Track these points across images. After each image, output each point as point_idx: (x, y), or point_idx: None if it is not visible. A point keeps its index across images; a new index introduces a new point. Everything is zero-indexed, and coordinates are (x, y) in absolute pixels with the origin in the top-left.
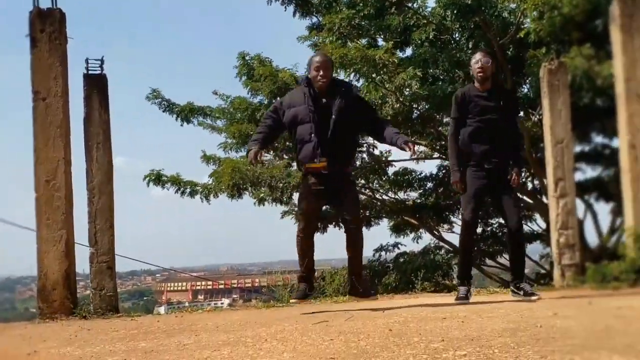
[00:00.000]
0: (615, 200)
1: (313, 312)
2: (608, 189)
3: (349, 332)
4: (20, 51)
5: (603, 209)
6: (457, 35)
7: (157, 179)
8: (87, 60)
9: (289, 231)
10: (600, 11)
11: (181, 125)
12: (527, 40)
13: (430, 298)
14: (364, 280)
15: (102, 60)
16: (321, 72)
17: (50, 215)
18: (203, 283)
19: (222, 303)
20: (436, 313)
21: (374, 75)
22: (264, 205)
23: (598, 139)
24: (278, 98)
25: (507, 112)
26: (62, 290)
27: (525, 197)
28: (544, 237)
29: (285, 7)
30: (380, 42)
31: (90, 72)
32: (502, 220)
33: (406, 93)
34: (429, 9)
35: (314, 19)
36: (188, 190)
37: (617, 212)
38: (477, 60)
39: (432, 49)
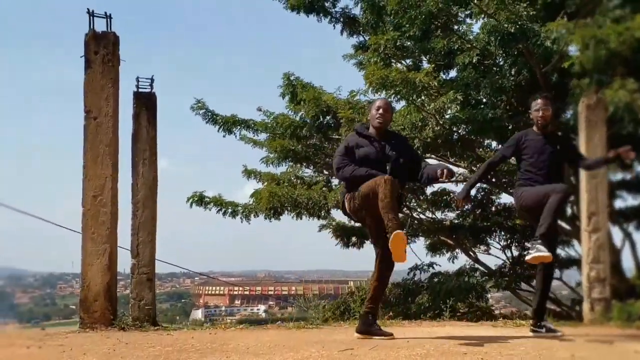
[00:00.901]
0: None
1: (341, 338)
2: None
3: None
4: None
5: None
6: (500, 60)
7: (200, 200)
8: (137, 79)
9: (326, 243)
10: None
11: (223, 136)
12: (571, 70)
13: (457, 328)
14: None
15: (152, 79)
16: (380, 111)
17: (95, 230)
18: (240, 288)
19: (258, 309)
20: (458, 347)
21: (414, 97)
22: (301, 219)
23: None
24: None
25: (564, 155)
26: (103, 302)
27: (563, 223)
28: (580, 263)
29: (334, 25)
30: (425, 64)
31: (140, 90)
32: None
33: (446, 116)
34: (474, 34)
35: (361, 38)
36: (230, 210)
37: None
38: (539, 108)
39: (475, 74)
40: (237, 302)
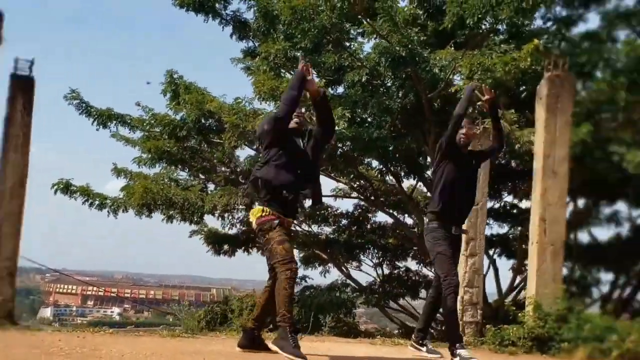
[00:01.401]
0: (517, 258)
1: (218, 349)
2: (511, 247)
3: None
4: None
5: (504, 264)
6: (388, 82)
7: (66, 188)
8: (16, 60)
9: (192, 248)
10: (527, 80)
11: (97, 129)
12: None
13: (337, 344)
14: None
15: (32, 62)
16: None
17: None
18: (94, 289)
19: (112, 311)
20: None
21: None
22: (172, 222)
23: (508, 198)
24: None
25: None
26: None
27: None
28: None
29: (223, 27)
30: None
31: (18, 72)
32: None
33: None
34: (365, 53)
35: (250, 43)
36: (97, 202)
37: (518, 270)
38: (462, 126)
39: (362, 92)
40: (90, 302)
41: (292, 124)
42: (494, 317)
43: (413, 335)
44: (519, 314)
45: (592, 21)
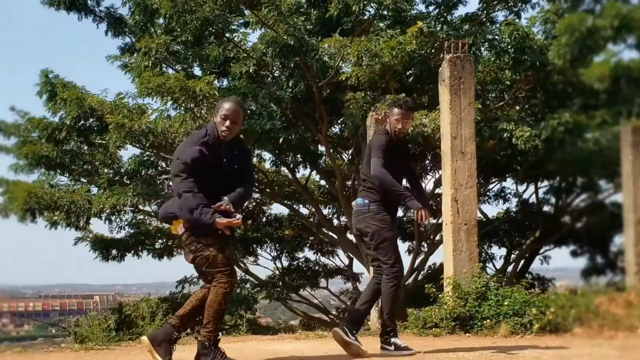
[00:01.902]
0: (414, 240)
1: None
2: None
3: None
4: None
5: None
6: (276, 72)
7: None
8: None
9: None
10: (414, 64)
11: None
12: (347, 84)
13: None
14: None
15: None
16: (227, 124)
17: None
18: None
19: None
20: None
21: (192, 106)
22: (56, 229)
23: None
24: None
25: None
26: None
27: (331, 233)
28: (345, 272)
29: (97, 25)
30: (197, 70)
31: None
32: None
33: None
34: (251, 44)
35: (127, 39)
36: None
37: (416, 251)
38: (399, 119)
39: (251, 84)
40: None
41: (220, 134)
42: (407, 301)
43: (345, 327)
44: (439, 295)
45: (472, 4)
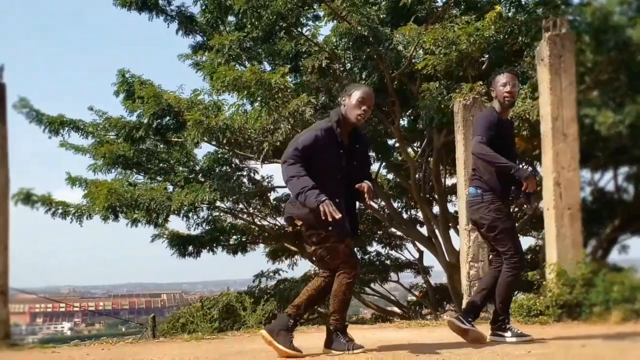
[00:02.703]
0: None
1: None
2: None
3: None
4: None
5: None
6: (348, 64)
7: (27, 198)
8: None
9: (140, 254)
10: (491, 50)
11: (49, 137)
12: (424, 73)
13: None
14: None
15: (2, 68)
16: (364, 108)
17: None
18: (42, 305)
19: (62, 326)
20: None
21: (268, 100)
22: (137, 226)
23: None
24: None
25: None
26: None
27: (396, 230)
28: (415, 265)
29: (168, 24)
30: (267, 66)
31: None
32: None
33: (298, 119)
34: (322, 37)
35: (198, 38)
36: (60, 211)
37: None
38: (506, 83)
39: (324, 78)
40: (39, 320)
41: (353, 118)
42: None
43: (460, 314)
44: (544, 283)
45: None
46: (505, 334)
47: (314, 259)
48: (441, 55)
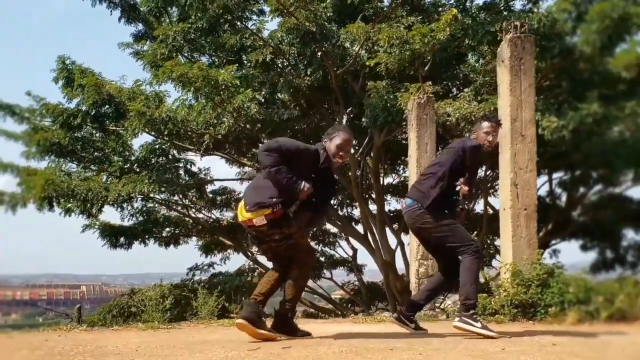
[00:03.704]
0: None
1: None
2: None
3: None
4: None
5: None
6: (292, 60)
7: None
8: None
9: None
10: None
11: None
12: (370, 72)
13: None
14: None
15: None
16: (341, 154)
17: None
18: None
19: None
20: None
21: (213, 96)
22: (70, 216)
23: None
24: None
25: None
26: None
27: (332, 226)
28: (349, 263)
29: (111, 11)
30: (205, 59)
31: None
32: None
33: (242, 114)
34: (267, 32)
35: (140, 27)
36: None
37: None
38: (489, 133)
39: (269, 73)
40: None
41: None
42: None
43: (403, 310)
44: (499, 282)
45: None
46: (476, 324)
47: (269, 254)
48: (394, 54)
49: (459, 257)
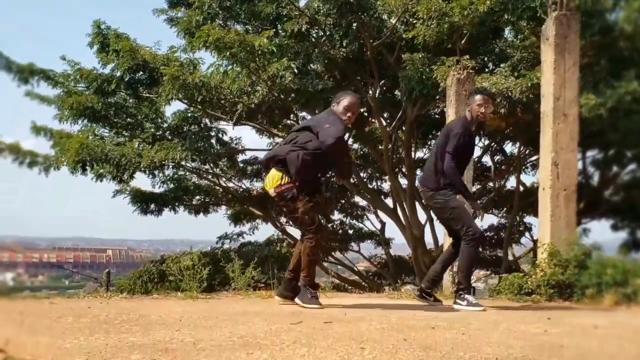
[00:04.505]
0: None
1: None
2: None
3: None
4: None
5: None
6: (328, 31)
7: None
8: None
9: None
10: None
11: (18, 86)
12: (406, 44)
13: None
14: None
15: None
16: (349, 114)
17: None
18: None
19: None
20: (418, 320)
21: (248, 62)
22: (101, 181)
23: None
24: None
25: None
26: None
27: (360, 198)
28: (377, 236)
29: None
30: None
31: None
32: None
33: (277, 83)
34: (304, 1)
35: None
36: (27, 160)
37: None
38: (482, 104)
39: (304, 43)
40: None
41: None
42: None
43: (423, 286)
44: (536, 262)
45: None
46: (462, 303)
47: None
48: (432, 27)
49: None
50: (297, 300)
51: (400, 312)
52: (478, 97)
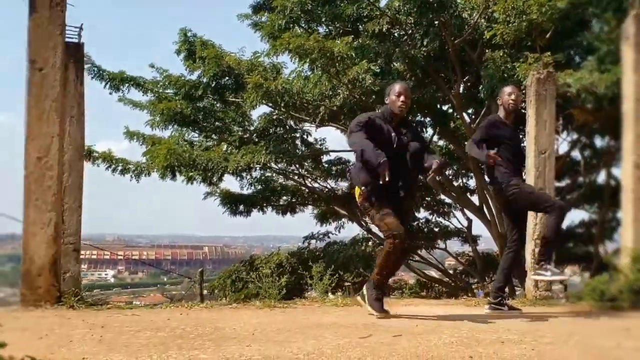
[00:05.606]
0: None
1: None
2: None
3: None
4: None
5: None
6: (409, 30)
7: (88, 154)
8: (63, 27)
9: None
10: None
11: (110, 94)
12: (482, 42)
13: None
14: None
15: (80, 28)
16: (402, 98)
17: (39, 196)
18: (87, 252)
19: (106, 274)
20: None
21: (328, 67)
22: (192, 184)
23: None
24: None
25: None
26: (48, 277)
27: (445, 197)
28: (462, 234)
29: None
30: (322, 29)
31: (66, 39)
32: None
33: (357, 85)
34: (385, 1)
35: None
36: (119, 168)
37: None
38: (511, 93)
39: (384, 44)
40: (84, 266)
41: (396, 109)
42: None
43: (491, 299)
44: (618, 267)
45: None
46: (545, 273)
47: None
48: (511, 25)
49: None
50: (360, 293)
51: (472, 323)
52: (506, 89)
